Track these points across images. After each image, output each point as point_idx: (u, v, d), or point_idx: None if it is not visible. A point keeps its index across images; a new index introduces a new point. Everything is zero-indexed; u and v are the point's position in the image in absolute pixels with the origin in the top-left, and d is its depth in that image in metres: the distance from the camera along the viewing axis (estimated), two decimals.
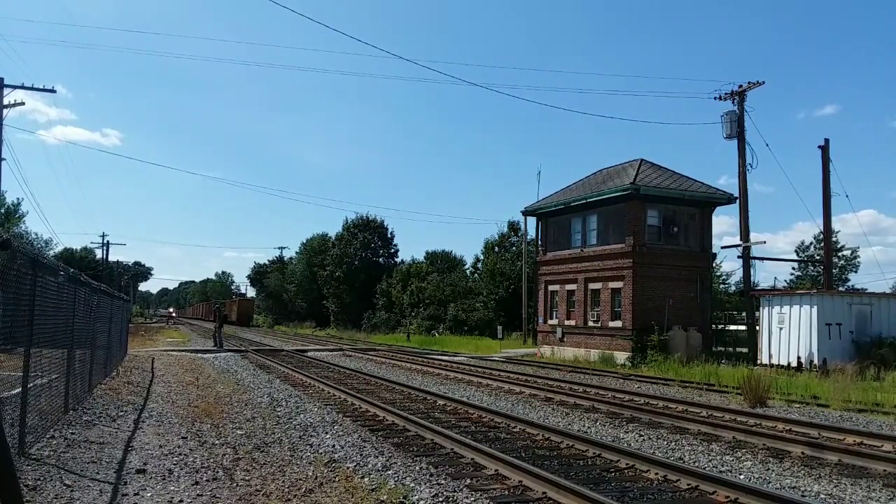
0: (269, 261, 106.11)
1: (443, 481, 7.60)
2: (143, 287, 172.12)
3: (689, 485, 7.53)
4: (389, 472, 7.97)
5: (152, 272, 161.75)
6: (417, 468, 8.24)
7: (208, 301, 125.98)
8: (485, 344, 40.39)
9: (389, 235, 74.16)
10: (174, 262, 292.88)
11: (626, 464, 8.56)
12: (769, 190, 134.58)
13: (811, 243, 51.99)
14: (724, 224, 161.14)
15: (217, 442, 9.56)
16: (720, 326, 32.31)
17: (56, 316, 9.52)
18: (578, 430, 11.44)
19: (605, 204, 29.63)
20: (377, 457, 8.83)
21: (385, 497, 6.90)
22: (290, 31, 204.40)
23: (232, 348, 33.25)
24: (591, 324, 30.31)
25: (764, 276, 77.39)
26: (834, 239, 45.60)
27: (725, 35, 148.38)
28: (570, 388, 17.99)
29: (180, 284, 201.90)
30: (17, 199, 54.26)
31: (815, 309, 23.07)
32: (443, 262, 66.85)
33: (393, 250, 74.51)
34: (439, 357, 30.57)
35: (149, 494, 6.70)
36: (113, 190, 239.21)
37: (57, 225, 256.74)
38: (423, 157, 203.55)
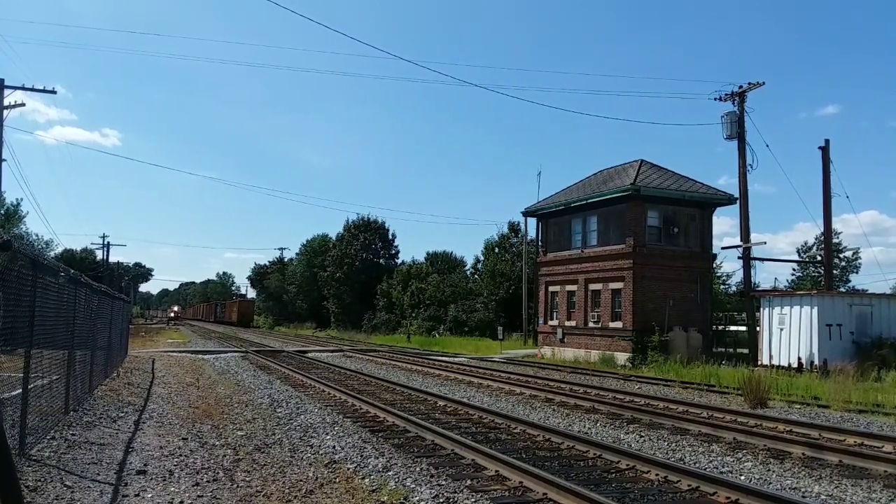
0: (269, 262, 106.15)
1: (443, 482, 7.60)
2: (143, 288, 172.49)
3: (689, 486, 7.53)
4: (390, 473, 7.97)
5: (152, 273, 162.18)
6: (418, 469, 8.24)
7: (209, 302, 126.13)
8: (485, 345, 40.36)
9: (390, 236, 74.28)
10: (174, 263, 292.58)
11: (627, 465, 8.56)
12: (770, 190, 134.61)
13: (814, 244, 51.92)
14: (724, 224, 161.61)
15: (217, 443, 9.56)
16: (720, 327, 32.28)
17: (56, 317, 9.52)
18: (579, 431, 11.44)
19: (606, 205, 29.65)
20: (378, 458, 8.83)
21: (385, 498, 6.90)
22: (290, 31, 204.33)
23: (232, 349, 33.28)
24: (591, 325, 30.31)
25: (764, 276, 77.69)
26: (836, 240, 45.63)
27: (725, 35, 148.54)
28: (571, 389, 18.00)
29: (181, 285, 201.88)
30: (17, 199, 54.26)
31: (815, 310, 23.07)
32: (443, 263, 66.79)
33: (393, 251, 74.58)
34: (439, 358, 30.57)
35: (149, 495, 6.70)
36: (113, 190, 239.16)
37: (57, 226, 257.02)
38: (424, 157, 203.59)
